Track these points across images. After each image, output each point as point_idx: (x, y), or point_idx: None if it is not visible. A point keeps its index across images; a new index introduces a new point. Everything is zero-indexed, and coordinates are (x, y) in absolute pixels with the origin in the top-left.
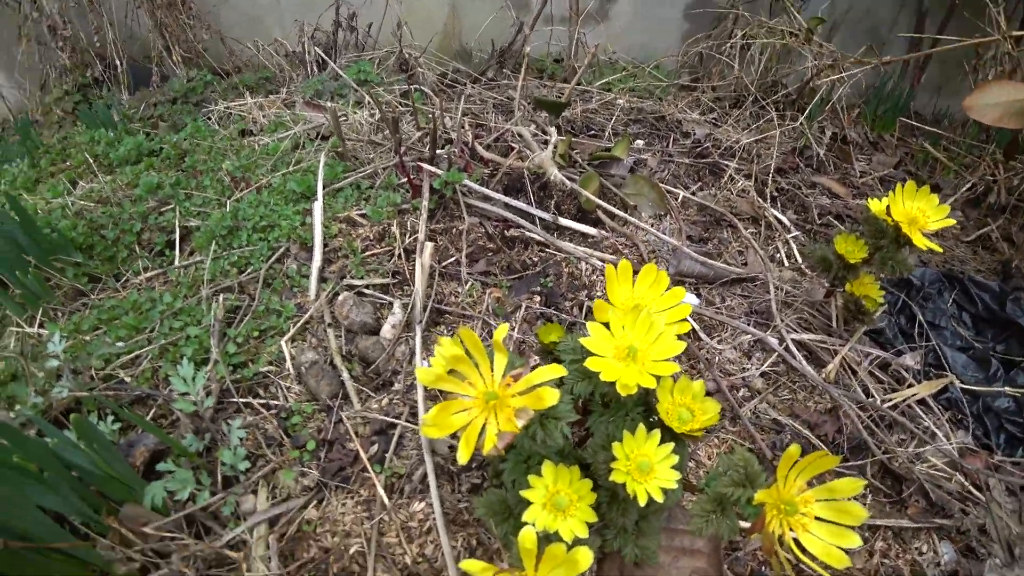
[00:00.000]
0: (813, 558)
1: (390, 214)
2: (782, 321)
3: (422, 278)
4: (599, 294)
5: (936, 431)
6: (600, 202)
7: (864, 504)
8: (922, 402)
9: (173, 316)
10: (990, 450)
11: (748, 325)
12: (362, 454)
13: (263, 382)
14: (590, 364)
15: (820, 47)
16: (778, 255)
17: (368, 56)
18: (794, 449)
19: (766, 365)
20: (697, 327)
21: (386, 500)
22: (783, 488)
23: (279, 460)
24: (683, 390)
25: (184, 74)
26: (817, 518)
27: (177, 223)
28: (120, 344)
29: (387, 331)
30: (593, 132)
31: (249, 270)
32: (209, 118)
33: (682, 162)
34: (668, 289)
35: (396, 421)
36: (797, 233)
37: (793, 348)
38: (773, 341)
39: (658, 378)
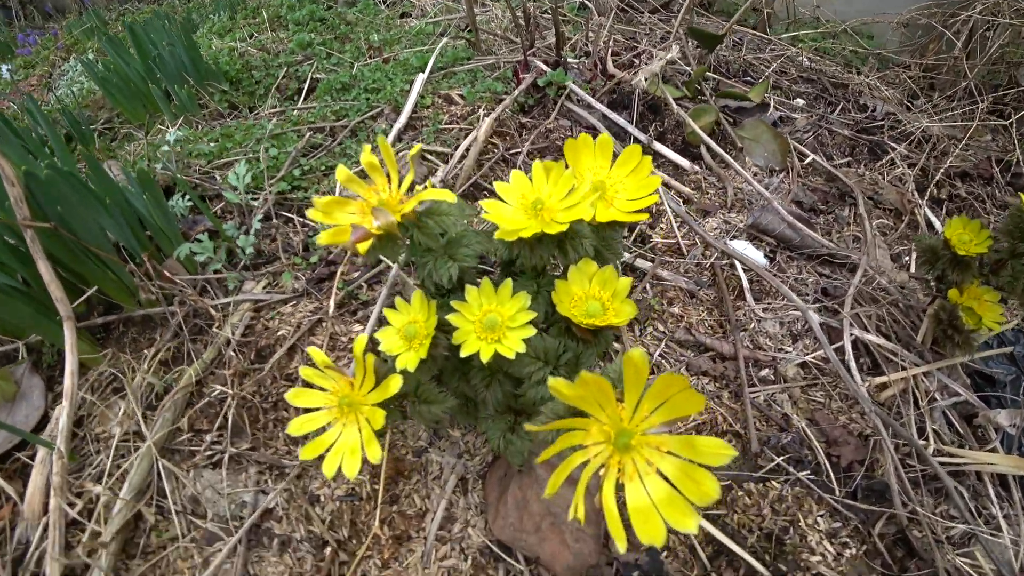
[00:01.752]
0: (625, 515)
1: (487, 99)
2: (852, 310)
3: (474, 150)
4: (662, 226)
5: (1002, 523)
6: (705, 136)
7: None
8: (1001, 480)
9: (271, 139)
10: None
11: (807, 303)
12: (338, 273)
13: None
14: (489, 208)
15: None
16: (907, 258)
17: None
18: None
19: (810, 355)
20: (746, 285)
21: (331, 309)
22: (628, 414)
23: (288, 263)
24: (605, 281)
25: None
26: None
27: (310, 75)
28: (212, 144)
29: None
30: (748, 79)
31: (344, 120)
32: (385, 1)
33: (840, 133)
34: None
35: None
36: None
37: (848, 344)
38: (814, 318)
39: (572, 256)
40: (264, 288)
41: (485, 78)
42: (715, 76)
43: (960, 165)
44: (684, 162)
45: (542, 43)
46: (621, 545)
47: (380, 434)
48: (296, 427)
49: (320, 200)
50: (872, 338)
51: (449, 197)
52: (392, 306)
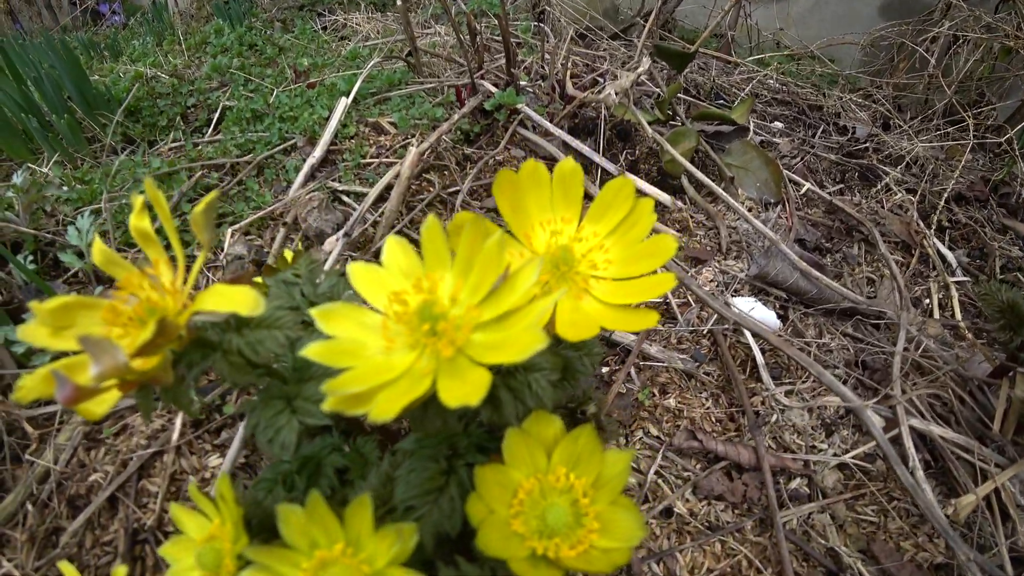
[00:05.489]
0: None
1: (424, 127)
2: (904, 393)
3: (398, 189)
4: None
5: None
6: (688, 165)
7: None
8: None
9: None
10: None
11: (843, 383)
12: None
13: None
14: (324, 321)
15: None
16: (927, 300)
17: None
18: None
19: (852, 454)
20: (760, 360)
21: (175, 435)
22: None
23: None
24: (578, 457)
25: None
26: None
27: (221, 103)
28: (65, 190)
29: (330, 243)
30: (722, 101)
31: (250, 154)
32: (325, 26)
33: (826, 157)
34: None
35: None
36: (964, 279)
37: (909, 441)
38: (874, 421)
39: (511, 409)
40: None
41: (424, 103)
42: (686, 98)
43: (954, 187)
44: (664, 197)
45: (492, 65)
46: None
47: None
48: None
49: (44, 305)
50: (936, 429)
51: (244, 303)
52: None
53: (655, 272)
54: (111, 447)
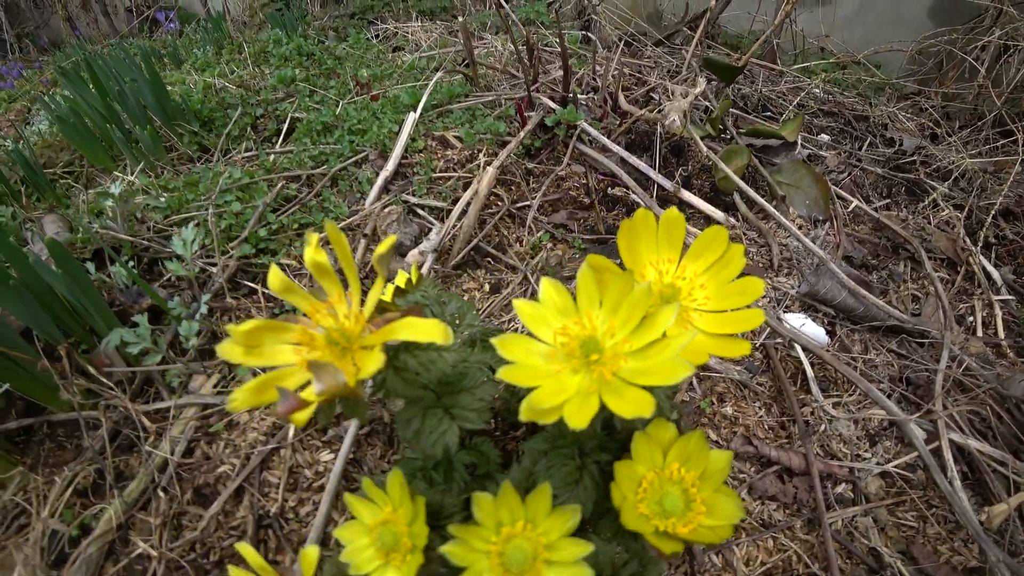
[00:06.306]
0: None
1: (488, 141)
2: (945, 408)
3: (475, 205)
4: None
5: None
6: (741, 183)
7: None
8: None
9: (240, 190)
10: None
11: (887, 397)
12: None
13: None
14: (507, 351)
15: None
16: (970, 318)
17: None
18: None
19: (894, 464)
20: (810, 373)
21: (291, 433)
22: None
23: None
24: (688, 455)
25: None
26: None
27: (290, 114)
28: (169, 195)
29: (413, 256)
30: (769, 114)
31: (323, 166)
32: (378, 35)
33: (872, 170)
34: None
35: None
36: (1009, 298)
37: (948, 454)
38: (917, 433)
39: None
40: (217, 386)
41: (485, 116)
42: (733, 111)
43: (1002, 203)
44: (717, 213)
45: (545, 78)
46: None
47: None
48: None
49: (239, 327)
50: (973, 443)
51: (438, 334)
52: (357, 489)
53: (748, 307)
54: (228, 441)
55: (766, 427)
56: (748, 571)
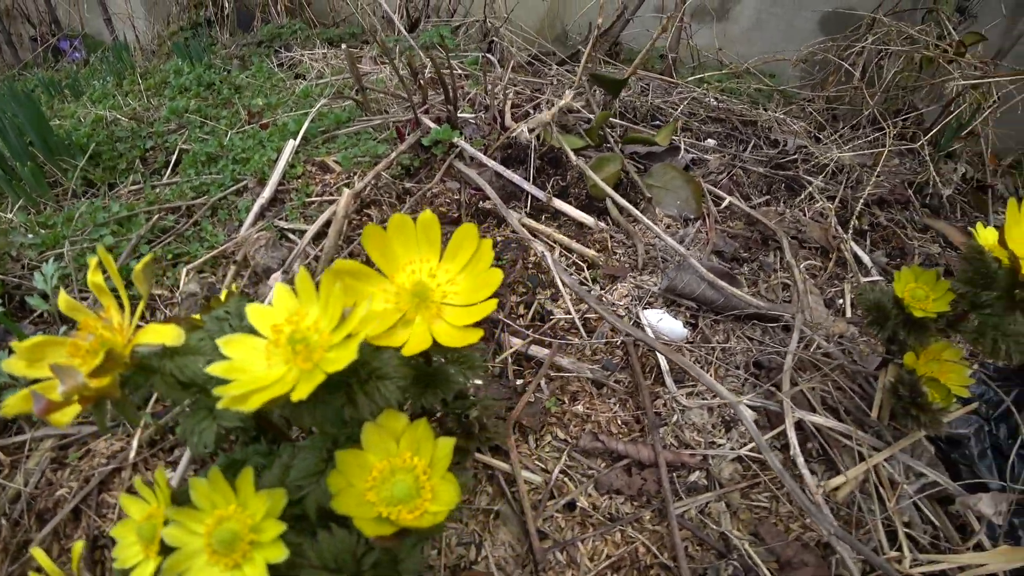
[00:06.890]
0: None
1: (366, 164)
2: (793, 387)
3: (335, 227)
4: (558, 292)
5: None
6: (609, 189)
7: None
8: None
9: (118, 223)
10: None
11: (743, 383)
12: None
13: (150, 305)
14: (228, 347)
15: (974, 68)
16: (840, 301)
17: (456, 23)
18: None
19: (747, 448)
20: (664, 366)
21: (132, 453)
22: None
23: None
24: (417, 443)
25: (279, 22)
26: None
27: (179, 145)
28: (31, 236)
29: (275, 278)
30: (657, 123)
31: (204, 196)
32: (283, 63)
33: (755, 171)
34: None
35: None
36: (879, 278)
37: (792, 432)
38: (746, 414)
39: (366, 407)
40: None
41: (368, 140)
42: (622, 123)
43: (876, 192)
44: (588, 219)
45: (438, 99)
46: None
47: None
48: None
49: (22, 344)
50: (819, 419)
51: (170, 337)
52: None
53: (487, 301)
54: (75, 468)
55: (619, 423)
56: (593, 565)
